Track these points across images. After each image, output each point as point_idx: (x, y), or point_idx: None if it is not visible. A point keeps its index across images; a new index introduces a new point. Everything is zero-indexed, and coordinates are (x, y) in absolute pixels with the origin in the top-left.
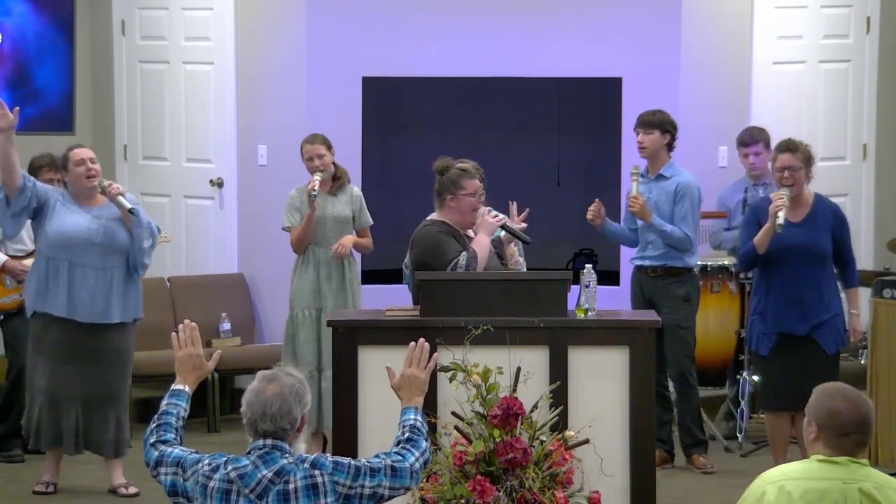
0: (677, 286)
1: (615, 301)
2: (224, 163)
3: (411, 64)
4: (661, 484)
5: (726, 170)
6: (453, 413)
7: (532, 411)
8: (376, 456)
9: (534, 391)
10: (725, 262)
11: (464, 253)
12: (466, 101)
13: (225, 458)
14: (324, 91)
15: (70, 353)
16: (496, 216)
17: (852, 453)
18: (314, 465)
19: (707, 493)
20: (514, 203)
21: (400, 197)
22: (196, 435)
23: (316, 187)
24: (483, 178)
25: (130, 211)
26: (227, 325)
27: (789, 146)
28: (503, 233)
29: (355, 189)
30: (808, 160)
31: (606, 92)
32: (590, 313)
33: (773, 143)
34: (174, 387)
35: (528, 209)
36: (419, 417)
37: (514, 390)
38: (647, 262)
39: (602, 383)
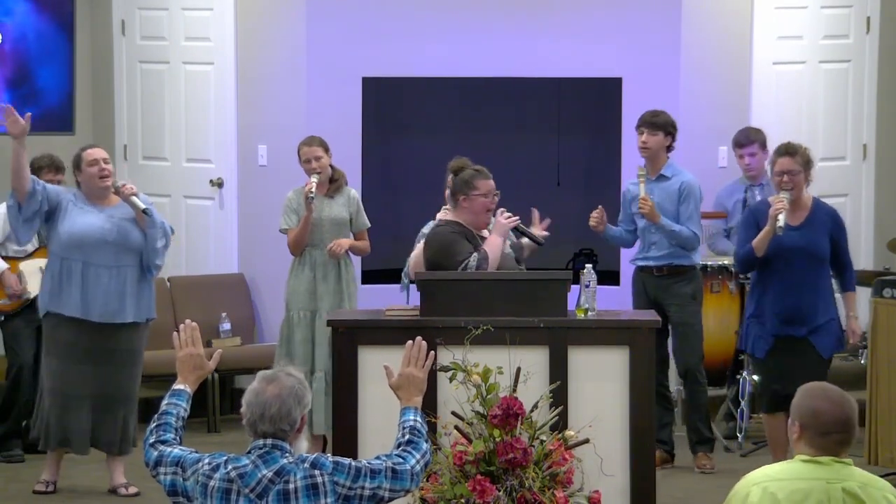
0: (684, 284)
1: (615, 301)
2: (224, 163)
3: (411, 64)
4: (661, 484)
5: (726, 170)
6: (453, 413)
7: (532, 411)
8: (377, 457)
9: (534, 391)
10: (725, 262)
11: (474, 254)
12: (466, 101)
13: (225, 458)
14: (324, 91)
15: (83, 352)
16: (509, 217)
17: (835, 453)
18: (314, 465)
19: (707, 493)
20: (536, 210)
21: (400, 197)
22: (196, 435)
23: (313, 189)
24: None
25: (144, 211)
26: (227, 325)
27: (788, 150)
28: (525, 239)
29: (352, 191)
30: (808, 163)
31: (606, 92)
32: (590, 313)
33: (770, 144)
34: (175, 387)
35: (548, 219)
36: (419, 418)
37: (514, 390)
38: (651, 263)
39: (602, 383)
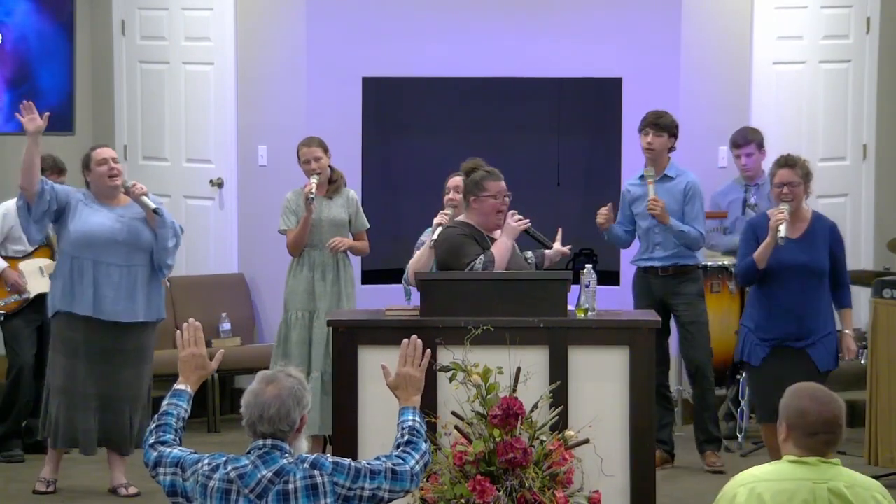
0: (690, 284)
1: (615, 301)
2: (224, 163)
3: (411, 64)
4: (661, 484)
5: (726, 170)
6: (453, 413)
7: (532, 411)
8: (377, 458)
9: (534, 391)
10: (725, 263)
11: (481, 256)
12: (466, 101)
13: (224, 458)
14: (324, 91)
15: (92, 351)
16: (520, 220)
17: (822, 453)
18: (314, 465)
19: (707, 493)
20: (560, 229)
21: (400, 197)
22: (196, 435)
23: (313, 190)
24: None
25: (155, 211)
26: (227, 325)
27: (788, 162)
28: (549, 252)
29: (351, 192)
30: (807, 175)
31: (606, 92)
32: (590, 313)
33: (770, 144)
34: (176, 387)
35: (570, 246)
36: (417, 418)
37: (514, 390)
38: (656, 263)
39: (602, 383)
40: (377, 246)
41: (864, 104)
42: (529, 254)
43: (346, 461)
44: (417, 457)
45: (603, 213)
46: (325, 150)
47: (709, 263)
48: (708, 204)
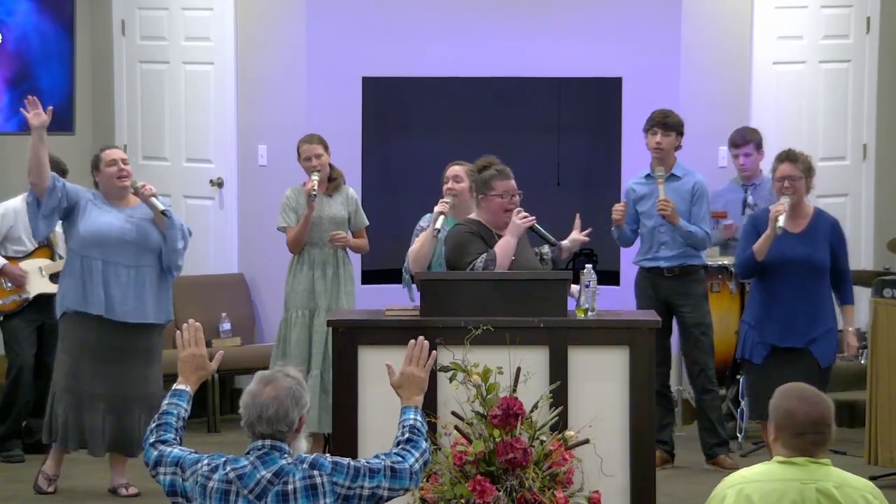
0: (696, 284)
1: (615, 301)
2: (224, 163)
3: (411, 64)
4: (661, 484)
5: (726, 170)
6: (453, 413)
7: (532, 411)
8: (376, 456)
9: (534, 391)
10: (725, 262)
11: (483, 255)
12: (466, 101)
13: (224, 459)
14: (324, 91)
15: (100, 351)
16: (525, 217)
17: (810, 453)
18: (313, 465)
19: (707, 493)
20: (578, 215)
21: (400, 197)
22: (196, 435)
23: (315, 187)
24: None
25: (163, 212)
26: (227, 325)
27: (789, 156)
28: (565, 242)
29: (350, 190)
30: (809, 170)
31: (606, 92)
32: (590, 313)
33: (769, 144)
34: (176, 386)
35: (590, 228)
36: (419, 417)
37: (514, 390)
38: (661, 263)
39: (602, 383)
40: (377, 245)
41: (864, 104)
42: (546, 248)
43: (345, 460)
44: (417, 455)
45: (619, 210)
46: (326, 148)
47: (709, 263)
48: None
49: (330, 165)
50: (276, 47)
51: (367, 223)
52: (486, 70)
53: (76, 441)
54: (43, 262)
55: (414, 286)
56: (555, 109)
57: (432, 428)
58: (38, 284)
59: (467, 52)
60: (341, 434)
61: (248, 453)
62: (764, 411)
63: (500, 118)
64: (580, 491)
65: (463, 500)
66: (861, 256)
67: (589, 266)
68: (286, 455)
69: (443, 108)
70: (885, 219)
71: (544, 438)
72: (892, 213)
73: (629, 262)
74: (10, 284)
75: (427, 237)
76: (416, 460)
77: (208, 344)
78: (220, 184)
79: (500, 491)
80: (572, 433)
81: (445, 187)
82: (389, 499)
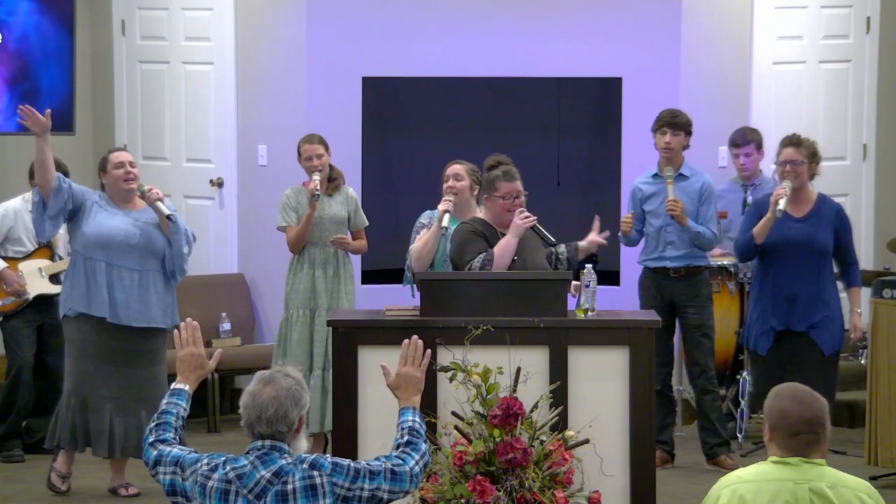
0: (701, 285)
1: (615, 301)
2: (224, 163)
3: (411, 64)
4: (661, 484)
5: (726, 170)
6: (453, 413)
7: (532, 411)
8: (376, 458)
9: (534, 391)
10: (725, 262)
11: (481, 254)
12: (466, 101)
13: (224, 458)
14: (324, 91)
15: (106, 353)
16: (526, 217)
17: (804, 453)
18: (313, 465)
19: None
20: (597, 217)
21: (400, 197)
22: (196, 435)
23: (318, 187)
24: (478, 179)
25: (169, 217)
26: (227, 325)
27: (793, 141)
28: (582, 243)
29: (350, 190)
30: (813, 156)
31: (606, 92)
32: (590, 313)
33: (769, 144)
34: (174, 386)
35: (607, 232)
36: (417, 418)
37: (514, 390)
38: (668, 263)
39: (602, 383)
40: (377, 245)
41: (864, 104)
42: (562, 247)
43: (346, 461)
44: (417, 457)
45: (627, 222)
46: (327, 148)
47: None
48: None
49: (330, 166)
50: (276, 47)
51: (367, 223)
52: (486, 70)
53: (84, 442)
54: (43, 262)
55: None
56: (555, 109)
57: (432, 428)
58: (38, 285)
59: (467, 52)
60: (341, 434)
61: (247, 453)
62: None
63: (500, 118)
64: (580, 491)
65: (463, 500)
66: (861, 256)
67: (589, 266)
68: (286, 455)
69: (443, 108)
70: (885, 219)
71: (544, 438)
72: (892, 213)
73: (629, 262)
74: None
75: (431, 235)
76: (416, 463)
77: (208, 344)
78: (220, 184)
79: (500, 491)
80: (572, 433)
81: (445, 186)
82: (389, 501)
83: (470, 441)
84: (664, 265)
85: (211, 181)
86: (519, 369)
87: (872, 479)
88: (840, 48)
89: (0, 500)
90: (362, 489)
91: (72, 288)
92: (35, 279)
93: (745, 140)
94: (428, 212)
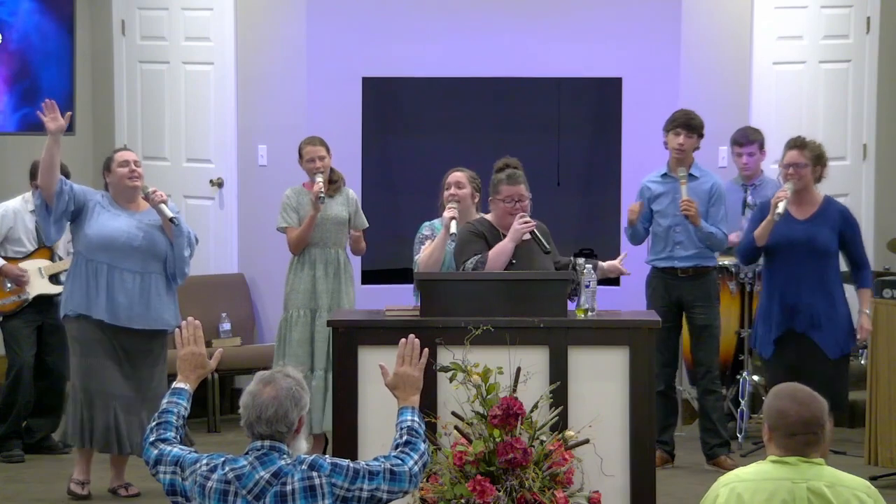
0: (710, 285)
1: (615, 301)
2: (224, 163)
3: (411, 64)
4: (661, 484)
5: (726, 170)
6: (453, 413)
7: (532, 411)
8: (375, 459)
9: (534, 391)
10: (725, 263)
11: (475, 256)
12: (466, 101)
13: (223, 459)
14: (324, 91)
15: (107, 351)
16: (526, 222)
17: (803, 453)
18: (312, 466)
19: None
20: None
21: (400, 197)
22: (196, 435)
23: (323, 189)
24: (479, 187)
25: (172, 220)
26: (227, 325)
27: (797, 143)
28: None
29: (351, 191)
30: (818, 158)
31: (606, 92)
32: (590, 313)
33: (770, 144)
34: (175, 385)
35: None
36: (416, 418)
37: (514, 390)
38: (676, 263)
39: (602, 383)
40: (377, 246)
41: (864, 104)
42: (582, 261)
43: (345, 462)
44: (416, 457)
45: (635, 211)
46: (328, 150)
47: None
48: None
49: (331, 169)
50: (276, 47)
51: (367, 225)
52: (486, 70)
53: (89, 439)
54: (43, 262)
55: None
56: (555, 109)
57: (432, 428)
58: (38, 285)
59: (467, 52)
60: (341, 434)
61: (247, 453)
62: None
63: (500, 118)
64: (580, 491)
65: (463, 500)
66: None
67: (589, 266)
68: (285, 456)
69: (443, 108)
70: (885, 219)
71: (544, 438)
72: (892, 213)
73: (629, 262)
74: (11, 285)
75: (437, 244)
76: (416, 463)
77: (208, 344)
78: (220, 184)
79: (500, 491)
80: (572, 433)
81: (447, 193)
82: (388, 501)
83: (470, 441)
84: (673, 265)
85: (211, 181)
86: (519, 369)
87: (872, 479)
88: (840, 48)
89: (0, 500)
90: (361, 489)
91: (72, 289)
92: (35, 279)
93: (749, 139)
94: (428, 223)
